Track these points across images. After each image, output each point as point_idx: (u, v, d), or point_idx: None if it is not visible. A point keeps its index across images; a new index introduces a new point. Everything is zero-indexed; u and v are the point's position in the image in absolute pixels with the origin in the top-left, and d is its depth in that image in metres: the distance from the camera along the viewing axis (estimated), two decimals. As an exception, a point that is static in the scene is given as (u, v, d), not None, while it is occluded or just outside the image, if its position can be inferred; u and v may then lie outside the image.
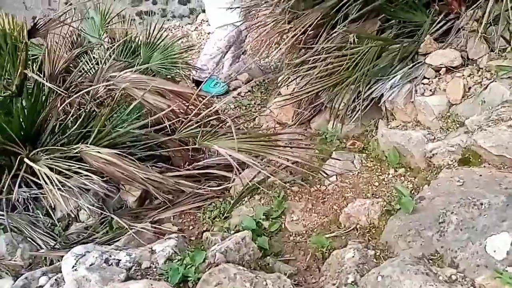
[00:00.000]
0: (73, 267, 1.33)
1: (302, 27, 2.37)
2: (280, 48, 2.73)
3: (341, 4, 2.19)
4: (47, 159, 1.90)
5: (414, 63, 1.93)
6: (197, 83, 3.75)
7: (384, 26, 2.29)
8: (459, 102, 1.75)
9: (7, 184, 1.99)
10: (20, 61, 1.88)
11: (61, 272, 1.48)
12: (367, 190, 1.71)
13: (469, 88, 1.74)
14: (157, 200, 2.07)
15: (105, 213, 1.92)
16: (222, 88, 3.78)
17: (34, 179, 1.90)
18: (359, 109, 2.04)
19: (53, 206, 1.99)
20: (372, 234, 1.49)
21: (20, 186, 1.93)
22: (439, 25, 2.06)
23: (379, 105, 2.06)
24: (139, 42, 3.33)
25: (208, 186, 2.00)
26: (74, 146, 1.86)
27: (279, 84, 3.23)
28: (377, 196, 1.64)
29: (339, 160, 1.89)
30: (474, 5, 1.95)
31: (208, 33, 6.69)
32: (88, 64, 2.41)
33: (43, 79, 1.92)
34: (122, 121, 2.01)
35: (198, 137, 1.86)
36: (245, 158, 1.71)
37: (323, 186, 1.83)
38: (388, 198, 1.60)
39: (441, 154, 1.61)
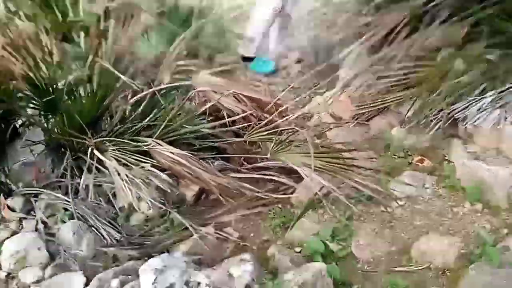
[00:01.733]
0: (153, 283, 1.35)
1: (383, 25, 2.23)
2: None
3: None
4: (113, 150, 1.90)
5: (506, 87, 1.80)
6: (245, 59, 3.66)
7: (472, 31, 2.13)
8: (551, 140, 1.64)
9: (69, 168, 2.02)
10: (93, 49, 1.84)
11: (131, 275, 1.52)
12: (439, 222, 1.66)
13: None
14: (213, 196, 2.08)
15: (164, 207, 1.93)
16: (271, 66, 3.68)
17: (98, 165, 1.91)
18: (438, 125, 1.94)
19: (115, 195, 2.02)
20: (448, 278, 1.45)
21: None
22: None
23: (456, 122, 1.96)
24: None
25: (270, 191, 1.97)
26: (144, 141, 1.84)
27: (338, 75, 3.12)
28: (453, 233, 1.59)
29: (409, 181, 1.83)
30: None
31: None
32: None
33: (113, 70, 1.87)
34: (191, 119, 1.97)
35: (271, 147, 1.81)
36: (323, 181, 1.66)
37: (390, 207, 1.78)
38: (465, 238, 1.55)
39: (529, 201, 1.54)
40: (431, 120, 2.02)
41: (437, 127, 2.00)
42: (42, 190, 1.98)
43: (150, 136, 1.97)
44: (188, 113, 1.98)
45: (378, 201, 1.78)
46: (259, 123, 1.88)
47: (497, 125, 1.76)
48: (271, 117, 1.86)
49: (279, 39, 3.83)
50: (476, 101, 1.84)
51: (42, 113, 2.02)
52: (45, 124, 2.05)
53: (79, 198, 1.98)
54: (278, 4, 3.34)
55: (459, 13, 2.03)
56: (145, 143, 1.86)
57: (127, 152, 1.89)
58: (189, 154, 1.82)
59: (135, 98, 1.93)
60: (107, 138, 1.94)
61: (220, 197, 1.88)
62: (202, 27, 3.14)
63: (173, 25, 3.17)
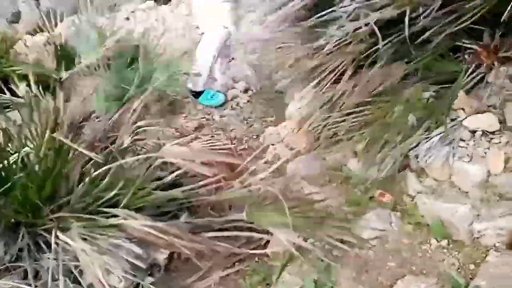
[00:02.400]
0: None
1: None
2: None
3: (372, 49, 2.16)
4: (79, 226, 1.81)
5: (451, 124, 1.95)
6: (194, 93, 3.65)
7: (408, 70, 2.29)
8: (499, 174, 1.80)
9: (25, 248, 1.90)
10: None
11: None
12: (411, 262, 1.76)
13: (509, 158, 1.80)
14: (184, 255, 2.05)
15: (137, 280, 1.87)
16: (221, 99, 3.69)
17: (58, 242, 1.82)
18: (392, 159, 2.06)
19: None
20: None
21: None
22: (470, 77, 2.07)
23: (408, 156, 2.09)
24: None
25: (244, 246, 1.99)
26: (112, 213, 1.77)
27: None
28: (426, 274, 1.70)
29: (376, 219, 1.92)
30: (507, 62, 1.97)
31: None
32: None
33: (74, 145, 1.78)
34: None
35: (246, 210, 1.82)
36: (302, 243, 1.69)
37: (362, 249, 1.86)
38: (439, 278, 1.65)
39: (489, 236, 1.68)
40: (385, 155, 2.13)
41: (392, 161, 2.10)
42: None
43: (115, 206, 1.90)
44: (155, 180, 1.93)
45: (351, 246, 1.85)
46: (229, 184, 1.88)
47: (447, 161, 1.90)
48: (241, 178, 1.87)
49: (224, 70, 3.85)
50: (426, 139, 1.97)
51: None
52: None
53: (41, 282, 1.86)
54: (227, 34, 3.35)
55: (398, 55, 2.18)
56: (115, 216, 1.79)
57: (94, 227, 1.81)
58: (162, 226, 1.78)
59: (98, 172, 1.85)
60: (70, 215, 1.85)
61: (195, 260, 1.86)
62: (151, 70, 3.09)
63: (120, 68, 3.10)
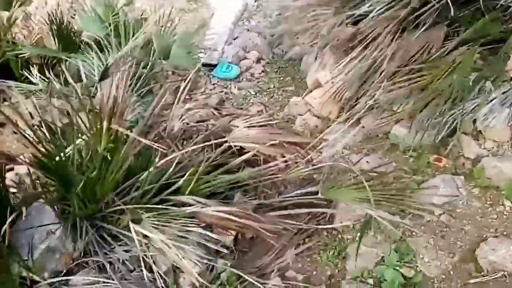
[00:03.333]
0: None
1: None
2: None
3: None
4: (149, 217, 1.75)
5: (508, 88, 1.95)
6: (208, 65, 3.52)
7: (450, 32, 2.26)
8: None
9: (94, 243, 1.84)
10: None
11: None
12: (488, 224, 1.80)
13: None
14: (248, 235, 2.04)
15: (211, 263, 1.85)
16: (236, 70, 3.58)
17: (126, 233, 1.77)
18: (444, 125, 2.06)
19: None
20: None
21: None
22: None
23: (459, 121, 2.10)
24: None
25: (310, 221, 1.98)
26: (186, 208, 1.71)
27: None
28: (507, 235, 1.74)
29: (443, 185, 1.94)
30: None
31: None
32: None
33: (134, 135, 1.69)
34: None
35: (320, 186, 1.79)
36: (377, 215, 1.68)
37: (434, 216, 1.88)
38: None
39: None
40: (435, 119, 2.13)
41: (443, 126, 2.11)
42: (69, 277, 1.77)
43: (179, 192, 1.85)
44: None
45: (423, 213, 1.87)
46: (296, 162, 1.84)
47: (508, 123, 1.92)
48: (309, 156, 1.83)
49: (234, 41, 3.72)
50: (484, 102, 1.97)
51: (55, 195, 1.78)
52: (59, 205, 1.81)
53: (119, 273, 1.81)
54: (244, 5, 3.21)
55: (441, 17, 2.14)
56: (184, 205, 1.73)
57: (164, 216, 1.75)
58: (234, 209, 1.74)
59: (163, 161, 1.77)
60: (140, 206, 1.78)
61: (270, 240, 1.84)
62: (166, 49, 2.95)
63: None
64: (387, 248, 1.80)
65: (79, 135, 1.80)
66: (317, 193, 1.89)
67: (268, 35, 4.11)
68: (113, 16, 2.85)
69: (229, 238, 2.00)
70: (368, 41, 2.23)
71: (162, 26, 3.00)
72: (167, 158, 1.76)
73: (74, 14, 3.45)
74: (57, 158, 1.71)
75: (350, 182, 1.77)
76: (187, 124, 2.08)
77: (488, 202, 1.90)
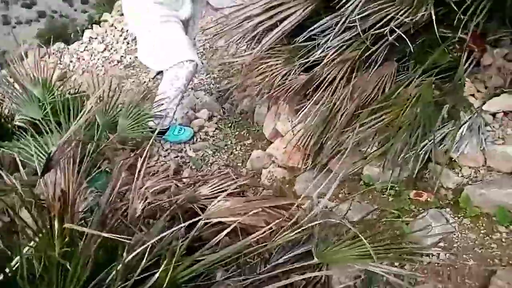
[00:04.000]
0: None
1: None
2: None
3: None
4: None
5: (472, 112, 1.95)
6: (159, 132, 3.35)
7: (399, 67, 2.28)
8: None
9: None
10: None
11: None
12: (489, 255, 1.71)
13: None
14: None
15: None
16: (189, 132, 3.44)
17: None
18: (416, 159, 2.01)
19: None
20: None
21: None
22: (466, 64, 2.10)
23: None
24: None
25: None
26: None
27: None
28: (513, 264, 1.66)
29: (433, 221, 1.86)
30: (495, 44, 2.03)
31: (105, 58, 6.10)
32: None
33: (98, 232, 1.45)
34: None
35: (314, 251, 1.63)
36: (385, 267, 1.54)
37: (433, 256, 1.78)
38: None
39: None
40: (405, 155, 2.09)
41: (415, 160, 2.06)
42: None
43: (156, 286, 1.60)
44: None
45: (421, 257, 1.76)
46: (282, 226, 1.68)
47: (480, 147, 1.90)
48: (294, 219, 1.68)
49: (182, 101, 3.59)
50: (451, 131, 1.95)
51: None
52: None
53: None
54: (194, 67, 3.11)
55: (389, 54, 2.15)
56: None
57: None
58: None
59: (132, 254, 1.53)
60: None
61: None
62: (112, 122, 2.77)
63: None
64: (396, 303, 1.65)
65: (25, 240, 1.53)
66: (308, 254, 1.74)
67: (215, 92, 4.04)
68: (50, 95, 2.64)
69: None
70: (324, 86, 2.18)
71: (103, 99, 2.82)
72: (137, 251, 1.52)
73: (3, 98, 3.18)
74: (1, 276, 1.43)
75: (343, 239, 1.62)
76: (150, 203, 1.87)
77: (482, 232, 1.83)
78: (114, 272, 1.50)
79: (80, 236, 1.55)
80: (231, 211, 1.62)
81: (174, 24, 3.12)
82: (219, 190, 2.12)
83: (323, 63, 2.02)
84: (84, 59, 6.94)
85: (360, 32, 1.92)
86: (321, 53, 2.00)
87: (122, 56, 6.57)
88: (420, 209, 2.00)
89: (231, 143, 3.41)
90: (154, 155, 3.34)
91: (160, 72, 5.59)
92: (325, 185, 2.58)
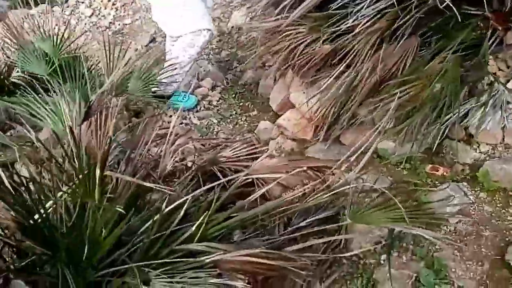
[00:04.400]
0: None
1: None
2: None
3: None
4: (158, 275, 1.48)
5: (495, 90, 2.01)
6: (161, 97, 3.28)
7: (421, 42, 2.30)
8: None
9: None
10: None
11: None
12: (506, 227, 1.79)
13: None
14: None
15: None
16: (192, 100, 3.39)
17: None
18: (433, 134, 2.07)
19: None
20: None
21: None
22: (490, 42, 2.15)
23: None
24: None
25: (329, 250, 1.84)
26: (207, 258, 1.47)
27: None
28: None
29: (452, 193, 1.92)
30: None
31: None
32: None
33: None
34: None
35: (347, 211, 1.65)
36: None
37: (449, 226, 1.85)
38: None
39: None
40: (423, 130, 2.14)
41: (431, 135, 2.12)
42: None
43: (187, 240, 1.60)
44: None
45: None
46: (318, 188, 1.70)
47: (502, 124, 1.97)
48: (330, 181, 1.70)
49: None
50: (475, 107, 2.01)
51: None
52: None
53: None
54: (210, 36, 3.06)
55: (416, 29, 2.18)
56: (207, 256, 1.49)
57: (179, 272, 1.50)
58: (262, 251, 1.55)
59: (170, 207, 1.52)
60: (146, 263, 1.50)
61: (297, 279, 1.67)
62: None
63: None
64: (416, 267, 1.72)
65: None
66: (333, 218, 1.77)
67: (215, 62, 3.99)
68: (59, 51, 2.53)
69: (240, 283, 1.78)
70: (350, 57, 2.18)
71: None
72: (176, 203, 1.51)
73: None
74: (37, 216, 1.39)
75: (374, 203, 1.66)
76: (178, 161, 1.85)
77: (499, 205, 1.91)
78: (150, 222, 1.48)
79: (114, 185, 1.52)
80: (273, 169, 1.62)
81: None
82: (240, 154, 2.12)
83: (355, 31, 2.02)
84: (70, 23, 6.66)
85: (395, 2, 1.92)
86: (353, 21, 1.99)
87: (110, 23, 6.35)
88: (436, 182, 2.06)
89: (235, 113, 3.38)
90: (158, 120, 3.28)
91: (152, 40, 5.44)
92: (338, 156, 2.63)
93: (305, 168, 1.67)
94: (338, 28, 2.07)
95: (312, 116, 2.67)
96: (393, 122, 2.32)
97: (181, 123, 3.27)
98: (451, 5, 1.84)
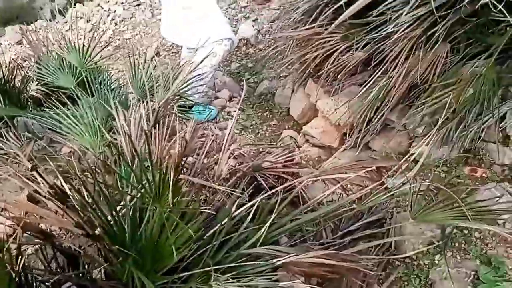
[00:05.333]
0: None
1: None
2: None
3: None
4: (227, 280, 1.46)
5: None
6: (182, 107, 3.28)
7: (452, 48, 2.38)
8: None
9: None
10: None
11: None
12: None
13: None
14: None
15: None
16: (213, 111, 3.40)
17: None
18: (472, 136, 2.12)
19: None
20: None
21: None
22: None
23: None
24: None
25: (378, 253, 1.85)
26: (278, 260, 1.46)
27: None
28: None
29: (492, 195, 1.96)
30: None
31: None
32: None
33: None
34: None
35: (409, 211, 1.67)
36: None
37: (500, 225, 1.88)
38: None
39: None
40: (459, 132, 2.19)
41: (468, 137, 2.17)
42: None
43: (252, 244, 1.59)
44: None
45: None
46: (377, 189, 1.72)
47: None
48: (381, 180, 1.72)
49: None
50: (510, 109, 2.08)
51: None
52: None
53: None
54: (231, 45, 3.09)
55: (449, 35, 2.25)
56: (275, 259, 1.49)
57: (247, 275, 1.49)
58: (329, 252, 1.55)
59: (240, 210, 1.51)
60: (210, 268, 1.48)
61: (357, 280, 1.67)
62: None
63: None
64: (472, 265, 1.73)
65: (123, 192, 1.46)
66: (380, 221, 1.80)
67: (226, 73, 4.02)
68: (86, 62, 2.51)
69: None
70: (386, 63, 2.23)
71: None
72: (246, 206, 1.50)
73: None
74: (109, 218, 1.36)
75: (434, 202, 1.68)
76: (233, 167, 1.84)
77: (546, 204, 1.95)
78: (218, 226, 1.47)
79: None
80: (341, 169, 1.63)
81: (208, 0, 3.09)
82: (282, 160, 2.13)
83: (394, 37, 2.07)
84: (69, 38, 6.61)
85: (434, 9, 1.99)
86: (393, 27, 2.05)
87: (110, 37, 6.33)
88: (477, 183, 2.10)
89: (255, 123, 3.40)
90: (179, 131, 3.26)
91: (156, 54, 5.44)
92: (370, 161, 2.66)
93: (374, 168, 1.67)
94: (377, 35, 2.11)
95: (341, 122, 2.70)
96: (426, 128, 2.37)
97: (203, 134, 3.27)
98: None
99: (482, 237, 1.85)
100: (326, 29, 2.33)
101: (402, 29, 2.06)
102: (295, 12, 2.31)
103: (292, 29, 2.42)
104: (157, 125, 1.62)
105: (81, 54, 2.60)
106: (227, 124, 3.37)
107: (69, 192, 1.40)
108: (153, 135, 1.56)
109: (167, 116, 1.72)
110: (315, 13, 2.28)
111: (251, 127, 3.35)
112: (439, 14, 2.04)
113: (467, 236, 1.84)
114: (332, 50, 2.37)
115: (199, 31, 3.06)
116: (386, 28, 2.08)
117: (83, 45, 2.63)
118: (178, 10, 3.09)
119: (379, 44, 2.22)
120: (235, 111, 3.54)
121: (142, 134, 1.86)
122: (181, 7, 3.05)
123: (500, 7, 1.82)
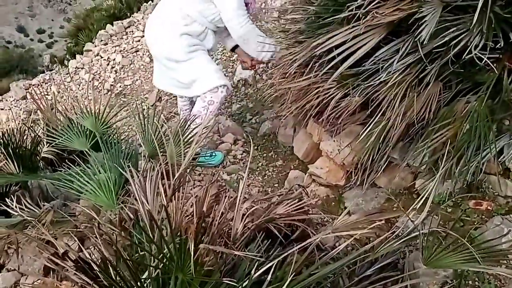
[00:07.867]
0: None
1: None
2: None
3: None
4: None
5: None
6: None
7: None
8: None
9: None
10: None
11: None
12: None
13: None
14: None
15: None
16: (220, 157, 3.50)
17: None
18: (473, 170, 2.20)
19: None
20: None
21: None
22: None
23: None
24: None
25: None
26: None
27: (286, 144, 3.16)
28: None
29: (500, 230, 2.02)
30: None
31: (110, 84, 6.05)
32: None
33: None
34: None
35: (420, 257, 1.74)
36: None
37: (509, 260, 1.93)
38: None
39: None
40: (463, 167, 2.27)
41: (469, 171, 2.25)
42: None
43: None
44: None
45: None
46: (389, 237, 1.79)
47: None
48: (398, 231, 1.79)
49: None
50: (507, 144, 2.17)
51: None
52: None
53: None
54: (227, 91, 3.23)
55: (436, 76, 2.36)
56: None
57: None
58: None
59: (259, 272, 1.58)
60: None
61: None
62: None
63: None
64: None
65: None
66: (394, 261, 1.85)
67: (227, 115, 4.13)
68: (102, 126, 2.62)
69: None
70: (383, 107, 2.34)
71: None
72: (266, 267, 1.57)
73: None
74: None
75: (443, 246, 1.75)
76: (248, 224, 1.92)
77: (552, 235, 2.01)
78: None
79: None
80: (353, 225, 1.71)
81: (202, 52, 3.24)
82: (294, 209, 2.20)
83: (388, 84, 2.18)
84: (72, 89, 6.80)
85: (423, 56, 2.11)
86: (386, 76, 2.16)
87: (112, 85, 6.50)
88: (483, 217, 2.17)
89: (261, 164, 3.49)
90: (189, 180, 3.35)
91: (159, 99, 5.58)
92: (376, 199, 2.72)
93: (383, 222, 1.75)
94: (371, 82, 2.23)
95: (345, 162, 2.79)
96: (428, 162, 2.46)
97: (212, 181, 3.35)
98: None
99: (495, 273, 1.90)
100: (322, 79, 2.45)
101: (394, 77, 2.17)
102: (290, 66, 2.43)
103: (289, 82, 2.54)
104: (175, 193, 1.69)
105: (96, 120, 2.70)
106: (235, 168, 3.45)
107: (94, 267, 1.48)
108: (171, 207, 1.64)
109: (185, 183, 1.79)
110: (311, 64, 2.40)
111: (258, 169, 3.44)
112: (429, 59, 2.16)
113: (480, 273, 1.89)
114: (330, 97, 2.47)
115: (192, 83, 3.20)
116: (380, 76, 2.19)
117: (98, 110, 2.74)
118: (173, 64, 3.23)
119: (374, 90, 2.32)
120: (240, 154, 3.63)
121: (158, 197, 1.96)
122: (175, 60, 3.20)
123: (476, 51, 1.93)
